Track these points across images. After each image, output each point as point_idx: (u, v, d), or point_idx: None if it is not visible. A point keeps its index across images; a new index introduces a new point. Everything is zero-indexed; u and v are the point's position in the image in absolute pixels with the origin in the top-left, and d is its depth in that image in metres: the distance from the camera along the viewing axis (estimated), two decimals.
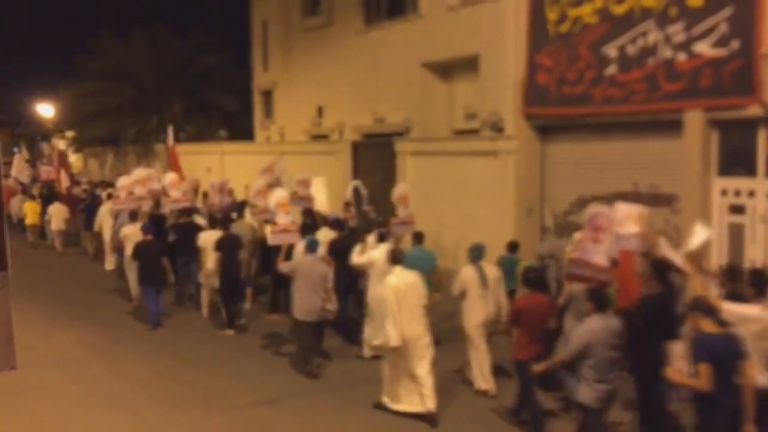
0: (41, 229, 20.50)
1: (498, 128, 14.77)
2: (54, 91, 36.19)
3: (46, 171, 25.68)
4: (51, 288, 15.19)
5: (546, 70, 13.06)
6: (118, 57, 30.63)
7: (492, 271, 8.59)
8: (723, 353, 5.38)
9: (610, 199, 12.37)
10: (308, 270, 9.22)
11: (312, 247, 9.45)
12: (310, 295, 9.18)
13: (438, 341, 8.49)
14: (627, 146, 12.13)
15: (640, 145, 11.90)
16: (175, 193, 14.32)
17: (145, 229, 11.88)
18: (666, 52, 10.94)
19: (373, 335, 8.78)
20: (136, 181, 15.10)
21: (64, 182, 20.85)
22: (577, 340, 6.37)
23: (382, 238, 10.03)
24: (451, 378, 8.88)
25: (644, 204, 11.63)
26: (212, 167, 23.93)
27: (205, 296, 12.34)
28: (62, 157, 22.57)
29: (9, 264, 2.42)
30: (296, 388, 9.01)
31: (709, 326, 5.50)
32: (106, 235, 15.81)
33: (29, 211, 20.61)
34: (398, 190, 11.89)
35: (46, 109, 38.67)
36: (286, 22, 23.93)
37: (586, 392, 6.32)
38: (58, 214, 19.37)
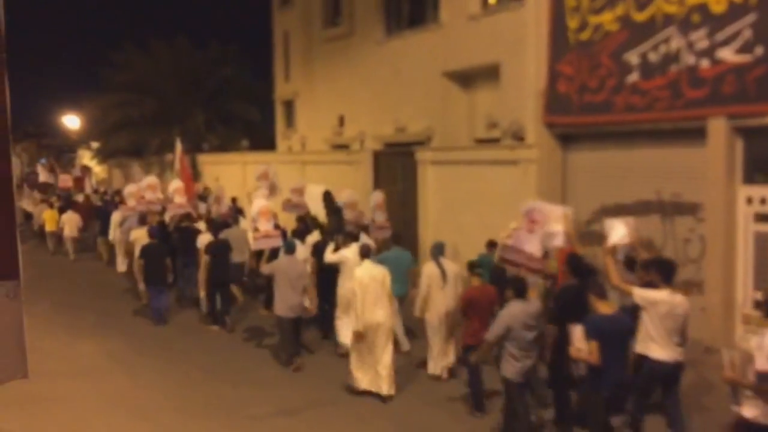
0: (60, 237, 21.19)
1: (519, 137, 14.69)
2: (79, 102, 36.77)
3: (63, 180, 26.97)
4: (70, 297, 15.39)
5: (567, 78, 12.98)
6: (140, 69, 31.03)
7: (452, 267, 9.50)
8: (611, 331, 6.37)
9: (633, 207, 12.27)
10: (286, 270, 10.00)
11: (290, 249, 10.33)
12: (289, 293, 9.96)
13: (414, 334, 9.62)
14: (650, 154, 12.00)
15: (663, 152, 11.77)
16: (179, 200, 15.14)
17: (151, 233, 12.91)
18: (689, 59, 10.82)
19: (344, 332, 9.92)
20: (147, 187, 16.26)
21: (87, 190, 22.59)
22: (499, 323, 7.12)
23: (353, 239, 10.73)
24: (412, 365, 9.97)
25: (668, 212, 11.60)
26: (220, 177, 24.21)
27: (203, 294, 12.88)
28: (84, 170, 23.72)
29: (21, 273, 2.43)
30: (315, 399, 9.00)
31: (602, 308, 6.43)
32: (116, 240, 17.08)
33: (48, 218, 21.47)
34: (375, 198, 12.79)
35: (72, 121, 39.20)
36: (307, 32, 24.08)
37: (508, 368, 7.11)
38: (70, 221, 20.36)
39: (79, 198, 23.76)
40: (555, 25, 13.22)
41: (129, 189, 17.17)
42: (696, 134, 10.83)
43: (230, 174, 24.17)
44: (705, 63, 10.59)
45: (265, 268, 10.65)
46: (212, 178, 24.91)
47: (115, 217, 17.44)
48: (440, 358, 9.46)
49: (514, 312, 7.09)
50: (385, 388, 8.72)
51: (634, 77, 11.71)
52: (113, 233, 17.43)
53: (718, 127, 10.51)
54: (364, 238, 11.20)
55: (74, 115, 38.65)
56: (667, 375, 6.90)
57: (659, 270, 7.15)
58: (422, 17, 18.82)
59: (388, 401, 8.69)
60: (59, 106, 42.13)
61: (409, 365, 9.96)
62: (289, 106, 25.99)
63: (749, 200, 10.55)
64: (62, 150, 55.69)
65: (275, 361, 10.50)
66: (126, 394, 9.26)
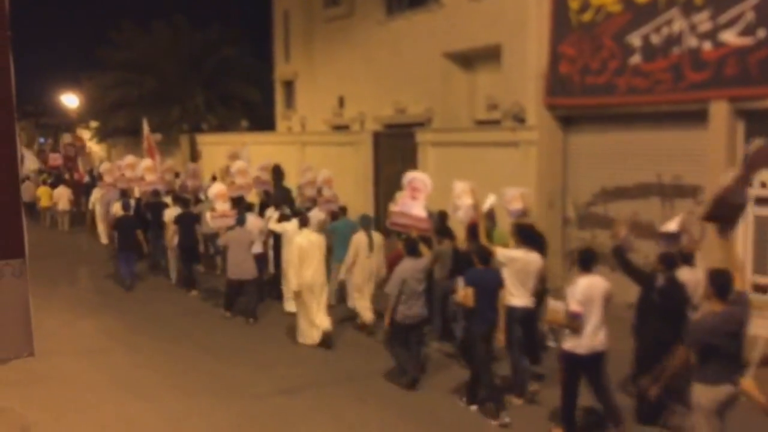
0: (54, 211, 22.80)
1: (520, 119, 14.66)
2: (78, 81, 36.54)
3: (53, 158, 29.16)
4: (66, 275, 15.63)
5: (569, 59, 12.92)
6: (140, 48, 30.85)
7: (377, 237, 11.03)
8: (484, 281, 7.70)
9: (634, 190, 12.28)
10: (238, 239, 11.60)
11: (240, 221, 11.86)
12: (239, 259, 11.49)
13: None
14: (651, 137, 11.99)
15: (664, 135, 11.76)
16: (149, 177, 16.56)
17: (124, 207, 14.45)
18: (691, 41, 10.78)
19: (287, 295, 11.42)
20: (127, 165, 17.71)
21: (82, 169, 24.69)
22: (395, 278, 8.52)
23: (295, 214, 12.13)
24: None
25: (669, 195, 11.61)
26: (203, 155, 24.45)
27: (171, 263, 14.44)
28: (78, 149, 25.21)
29: (26, 251, 2.44)
30: (316, 379, 9.05)
31: (478, 264, 7.86)
32: (97, 213, 18.65)
33: (43, 195, 23.07)
34: (323, 174, 13.80)
35: (70, 100, 39.00)
36: (307, 12, 23.93)
37: (401, 313, 8.47)
38: (62, 196, 22.21)
39: (67, 175, 25.72)
40: (557, 6, 13.15)
41: (105, 166, 19.01)
42: (697, 117, 10.82)
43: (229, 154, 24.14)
44: (707, 45, 10.56)
45: (220, 240, 12.16)
46: (209, 157, 24.95)
47: (96, 193, 18.90)
48: (367, 311, 10.81)
49: (407, 267, 8.56)
50: (318, 337, 10.17)
51: (636, 59, 11.67)
52: (92, 206, 19.11)
53: (719, 109, 10.49)
54: (317, 212, 12.62)
55: (73, 95, 38.43)
56: (523, 318, 8.11)
57: (521, 235, 8.49)
58: None
59: (326, 348, 10.10)
60: (58, 85, 41.86)
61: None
62: (289, 86, 25.88)
63: (750, 183, 10.54)
64: (60, 129, 55.54)
65: (275, 341, 10.60)
66: (126, 373, 9.30)
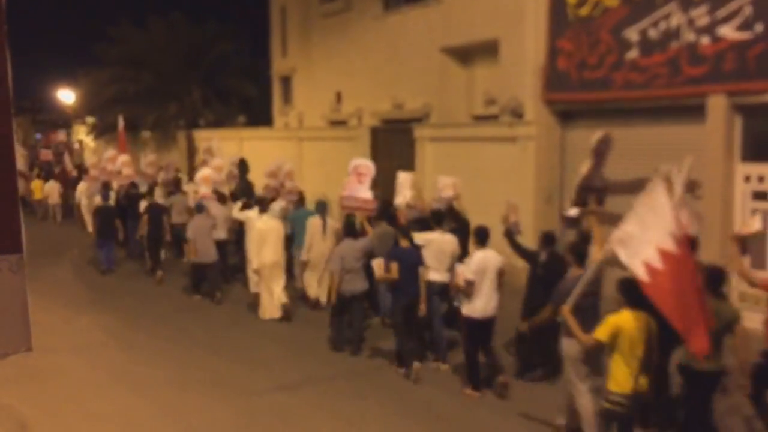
0: (46, 204, 23.86)
1: (517, 114, 14.65)
2: (74, 77, 36.47)
3: (44, 153, 31.03)
4: (62, 270, 15.66)
5: (566, 54, 12.91)
6: (137, 44, 30.79)
7: (331, 222, 11.93)
8: (407, 259, 8.76)
9: (631, 185, 12.26)
10: (199, 225, 12.64)
11: (199, 209, 12.98)
12: (200, 243, 12.52)
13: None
14: (648, 131, 11.98)
15: (662, 130, 11.75)
16: (126, 171, 17.93)
17: (102, 197, 15.76)
18: (689, 36, 10.78)
19: (254, 280, 12.16)
20: (108, 159, 18.91)
21: (68, 165, 26.07)
22: (334, 257, 9.72)
23: (257, 202, 12.81)
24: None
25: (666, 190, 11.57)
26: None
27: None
28: (66, 145, 26.43)
29: (24, 246, 2.43)
30: (314, 375, 9.06)
31: (403, 243, 8.97)
32: (82, 205, 19.63)
33: (36, 188, 24.10)
34: (285, 168, 14.73)
35: (66, 96, 38.91)
36: (304, 7, 23.87)
37: (342, 287, 9.59)
38: (53, 189, 23.31)
39: (57, 169, 26.72)
40: (554, 0, 13.13)
41: (91, 160, 20.39)
42: (695, 111, 10.82)
43: (226, 150, 24.04)
44: (705, 40, 10.55)
45: (189, 232, 12.82)
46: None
47: (81, 186, 19.98)
48: (322, 289, 11.55)
49: (344, 247, 9.77)
50: (278, 312, 11.35)
51: (633, 54, 11.67)
52: (78, 199, 20.08)
53: (717, 104, 10.49)
54: (280, 202, 13.50)
55: (69, 90, 38.35)
56: (438, 292, 9.14)
57: (433, 218, 9.71)
58: None
59: (284, 322, 11.28)
60: (54, 81, 41.79)
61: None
62: (286, 82, 25.83)
63: (747, 178, 10.56)
64: (57, 125, 55.42)
65: (276, 339, 10.61)
66: (123, 369, 9.30)
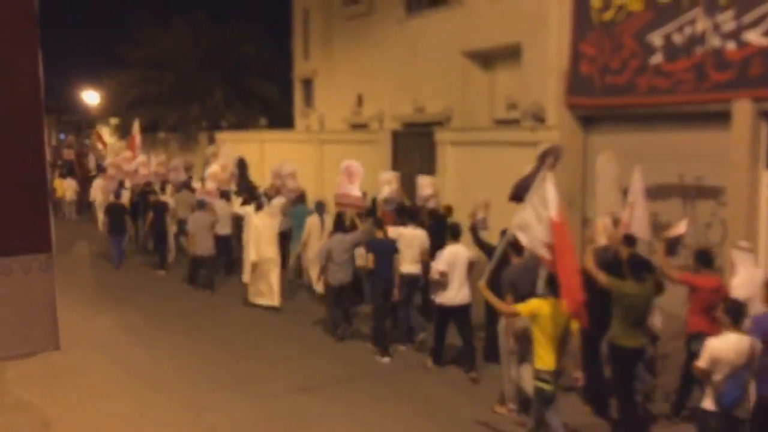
0: (60, 201, 24.49)
1: (539, 118, 14.59)
2: (99, 78, 36.81)
3: (67, 153, 32.17)
4: (86, 270, 15.77)
5: (589, 59, 12.84)
6: (160, 45, 31.01)
7: (328, 221, 12.56)
8: (382, 249, 9.78)
9: (655, 190, 12.17)
10: (199, 220, 13.43)
11: (200, 206, 13.78)
12: (202, 238, 13.33)
13: None
14: (672, 137, 11.87)
15: (686, 136, 11.64)
16: (143, 171, 18.49)
17: (114, 195, 16.77)
18: (714, 41, 10.66)
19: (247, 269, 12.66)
20: (123, 159, 19.35)
21: (90, 164, 27.60)
22: (322, 250, 10.57)
23: (254, 199, 13.62)
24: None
25: (690, 196, 11.50)
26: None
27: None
28: (87, 148, 30.07)
29: (53, 246, 2.46)
30: (333, 376, 9.07)
31: (379, 234, 9.99)
32: (97, 202, 20.42)
33: (58, 187, 24.57)
34: (287, 168, 15.02)
35: (91, 97, 39.29)
36: (326, 10, 23.95)
37: (329, 277, 10.46)
38: (69, 188, 24.26)
39: (78, 169, 28.01)
40: (578, 4, 13.05)
41: (109, 160, 20.84)
42: (720, 117, 10.70)
43: (248, 152, 24.19)
44: (731, 45, 10.44)
45: (190, 226, 13.65)
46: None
47: (97, 182, 20.74)
48: (318, 283, 11.89)
49: (333, 241, 10.53)
50: (276, 300, 12.08)
51: (657, 59, 11.56)
52: (94, 196, 20.75)
53: (743, 110, 10.36)
54: (281, 198, 14.26)
55: (94, 91, 38.72)
56: (410, 282, 10.02)
57: (406, 214, 10.90)
58: None
59: (280, 310, 12.00)
60: (79, 82, 42.18)
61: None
62: (307, 84, 25.93)
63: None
64: (81, 126, 55.96)
65: (297, 339, 10.67)
66: (144, 367, 9.37)
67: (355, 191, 12.04)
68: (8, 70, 2.36)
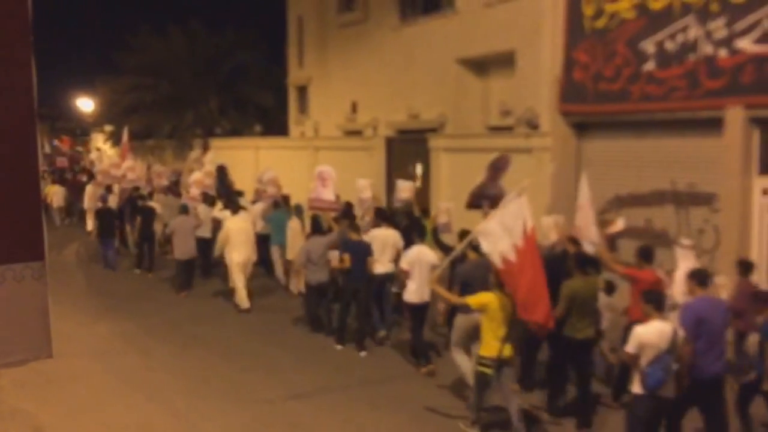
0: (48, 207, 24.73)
1: (533, 125, 14.64)
2: (93, 85, 36.77)
3: (59, 161, 33.65)
4: (76, 276, 15.68)
5: (582, 66, 12.90)
6: (155, 53, 30.94)
7: (308, 224, 13.23)
8: (357, 250, 10.24)
9: (648, 197, 12.22)
10: (182, 225, 13.85)
11: (183, 210, 14.31)
12: (184, 242, 13.76)
13: None
14: (665, 144, 11.94)
15: (679, 142, 11.71)
16: (131, 176, 19.23)
17: (102, 200, 17.23)
18: (707, 49, 10.74)
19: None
20: (111, 165, 20.43)
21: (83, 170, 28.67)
22: (301, 253, 11.32)
23: (233, 204, 14.20)
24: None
25: (683, 203, 11.55)
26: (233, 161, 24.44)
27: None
28: (78, 155, 30.79)
29: (46, 254, 2.46)
30: (328, 384, 9.07)
31: (353, 236, 10.46)
32: (87, 206, 20.66)
33: (48, 192, 24.75)
34: (268, 174, 15.63)
35: (85, 104, 39.25)
36: (321, 17, 23.99)
37: (308, 277, 11.16)
38: (57, 194, 24.51)
39: (69, 176, 28.77)
40: (571, 12, 13.13)
41: (98, 167, 21.70)
42: (712, 124, 10.77)
43: (243, 159, 24.19)
44: (723, 53, 10.51)
45: (168, 228, 14.29)
46: (222, 161, 25.09)
47: (89, 189, 21.04)
48: (300, 281, 12.74)
49: (311, 243, 11.21)
50: (245, 302, 12.53)
51: (650, 66, 11.64)
52: (86, 202, 20.84)
53: (735, 117, 10.44)
54: (261, 204, 15.04)
55: (88, 98, 38.69)
56: (380, 282, 10.74)
57: (380, 216, 11.49)
58: (437, 3, 18.69)
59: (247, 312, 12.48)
60: (73, 89, 42.17)
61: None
62: (302, 91, 25.94)
63: (765, 191, 10.49)
64: (75, 133, 55.84)
65: (291, 347, 10.66)
66: (138, 376, 9.35)
67: (329, 195, 12.51)
68: (0, 79, 2.36)
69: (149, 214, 15.95)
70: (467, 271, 8.54)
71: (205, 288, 14.28)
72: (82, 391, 8.78)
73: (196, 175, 16.57)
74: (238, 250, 12.57)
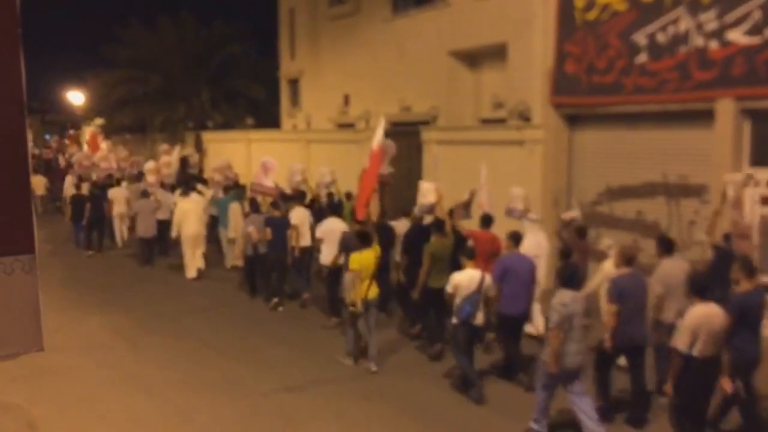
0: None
1: (525, 117, 14.65)
2: (83, 78, 36.58)
3: (45, 153, 37.17)
4: (73, 272, 15.54)
5: (574, 58, 12.91)
6: (146, 45, 30.83)
7: (246, 205, 14.24)
8: (277, 224, 11.81)
9: (639, 189, 12.26)
10: (144, 207, 15.95)
11: (144, 194, 16.42)
12: (146, 221, 15.81)
13: None
14: (656, 136, 11.97)
15: (670, 134, 11.74)
16: (104, 165, 21.56)
17: (76, 186, 19.20)
18: (698, 41, 10.76)
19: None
20: (84, 156, 22.55)
21: (62, 162, 30.40)
22: (247, 223, 12.63)
23: (183, 189, 16.07)
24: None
25: (674, 195, 11.59)
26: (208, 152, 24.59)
27: (117, 231, 18.29)
28: (60, 144, 32.82)
29: (36, 247, 2.45)
30: (321, 376, 9.06)
31: (275, 213, 12.14)
32: (66, 195, 21.60)
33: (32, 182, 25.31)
34: (218, 164, 17.49)
35: (75, 97, 39.05)
36: (313, 10, 23.92)
37: (248, 250, 12.67)
38: (38, 183, 25.36)
39: (55, 165, 30.93)
40: (562, 4, 13.13)
41: (77, 156, 23.66)
42: (704, 116, 10.80)
43: (234, 151, 24.14)
44: (714, 45, 10.54)
45: (130, 211, 16.63)
46: (214, 154, 25.03)
47: (68, 178, 22.35)
48: (238, 259, 14.49)
49: (252, 218, 12.49)
50: (193, 272, 14.51)
51: (642, 58, 11.65)
52: (65, 190, 22.08)
53: (726, 109, 10.47)
54: (211, 190, 16.83)
55: (78, 91, 38.48)
56: (303, 252, 12.20)
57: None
58: None
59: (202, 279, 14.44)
60: (64, 82, 41.98)
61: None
62: (294, 84, 25.88)
63: (756, 183, 10.51)
64: (65, 126, 55.60)
65: (284, 340, 10.65)
66: (131, 369, 9.32)
67: (268, 182, 14.29)
68: None
69: (98, 200, 17.53)
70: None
71: (164, 263, 16.05)
72: (73, 384, 8.73)
73: (150, 164, 18.61)
74: (187, 225, 14.41)
